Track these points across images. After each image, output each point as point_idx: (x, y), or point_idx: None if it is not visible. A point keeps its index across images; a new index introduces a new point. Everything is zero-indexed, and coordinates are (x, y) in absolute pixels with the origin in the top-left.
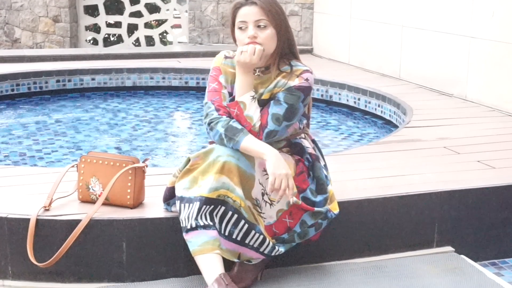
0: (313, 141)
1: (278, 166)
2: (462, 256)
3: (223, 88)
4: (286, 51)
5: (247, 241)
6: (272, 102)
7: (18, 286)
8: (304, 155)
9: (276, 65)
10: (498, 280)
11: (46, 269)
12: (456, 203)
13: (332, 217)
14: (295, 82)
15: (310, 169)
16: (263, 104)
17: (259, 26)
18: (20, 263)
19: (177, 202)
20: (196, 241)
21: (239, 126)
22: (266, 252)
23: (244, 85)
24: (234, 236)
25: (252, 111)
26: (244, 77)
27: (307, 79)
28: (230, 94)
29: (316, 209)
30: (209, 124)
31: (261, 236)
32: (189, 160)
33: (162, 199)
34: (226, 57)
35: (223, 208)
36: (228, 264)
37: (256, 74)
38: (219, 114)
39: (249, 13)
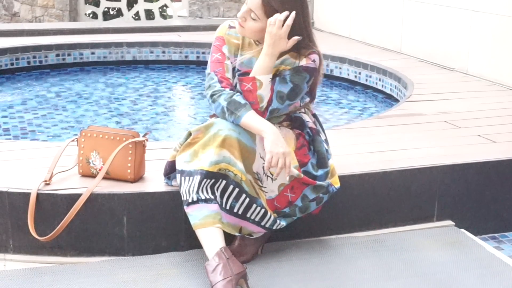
0: (314, 115)
1: (276, 144)
2: (462, 230)
3: (227, 59)
4: (301, 33)
5: (248, 215)
6: (277, 79)
7: (19, 260)
8: (304, 129)
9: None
10: (498, 254)
11: (47, 243)
12: (457, 177)
13: (333, 191)
14: (302, 62)
15: (310, 143)
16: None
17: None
18: (21, 237)
19: (178, 176)
20: (197, 215)
21: (242, 101)
22: (267, 225)
23: (268, 65)
24: (235, 210)
25: (265, 93)
26: (269, 58)
27: (314, 60)
28: (233, 65)
29: (317, 182)
30: (211, 96)
31: (263, 210)
32: (190, 134)
33: (162, 173)
34: (230, 27)
35: (224, 182)
36: (229, 239)
37: (260, 47)
38: (222, 86)
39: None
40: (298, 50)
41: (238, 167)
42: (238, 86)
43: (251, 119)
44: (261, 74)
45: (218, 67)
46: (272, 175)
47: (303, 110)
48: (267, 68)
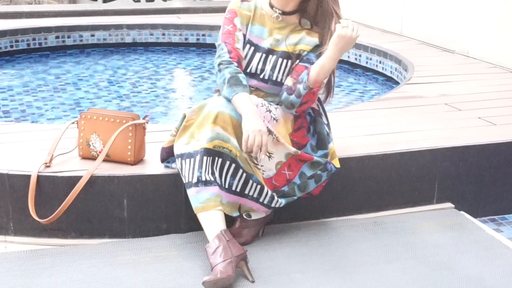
0: (318, 99)
1: (251, 122)
2: (462, 212)
3: (237, 31)
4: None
5: (246, 191)
6: (309, 64)
7: (20, 242)
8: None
9: (300, 16)
10: (497, 236)
11: (48, 225)
12: (457, 160)
13: (332, 170)
14: (317, 39)
15: (311, 124)
16: (285, 56)
17: None
18: (22, 220)
19: (178, 160)
20: (198, 198)
21: (244, 81)
22: (265, 202)
23: (332, 68)
24: (233, 188)
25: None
26: (335, 61)
27: None
28: (244, 36)
29: (315, 158)
30: (219, 65)
31: (259, 186)
32: (185, 116)
33: (159, 160)
34: (242, 1)
35: (220, 159)
36: (229, 221)
37: (275, 15)
38: (230, 57)
39: None
40: (308, 21)
41: (232, 143)
42: (302, 91)
43: (241, 98)
44: (325, 78)
45: (228, 38)
46: (270, 154)
47: None
48: (331, 69)
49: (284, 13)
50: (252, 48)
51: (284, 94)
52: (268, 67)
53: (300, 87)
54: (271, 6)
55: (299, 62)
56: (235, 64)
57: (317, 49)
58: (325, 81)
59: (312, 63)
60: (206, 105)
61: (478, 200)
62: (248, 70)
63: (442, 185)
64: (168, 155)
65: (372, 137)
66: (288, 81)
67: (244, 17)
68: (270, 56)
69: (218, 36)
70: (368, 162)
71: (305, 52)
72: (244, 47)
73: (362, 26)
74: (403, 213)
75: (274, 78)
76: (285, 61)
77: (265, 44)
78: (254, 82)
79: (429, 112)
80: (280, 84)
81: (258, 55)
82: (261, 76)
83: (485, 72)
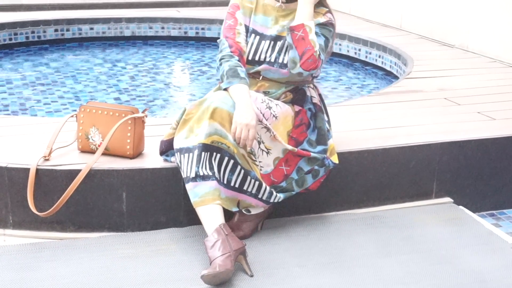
0: (320, 95)
1: (241, 115)
2: (461, 207)
3: (239, 25)
4: None
5: (245, 188)
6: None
7: (18, 235)
8: (306, 105)
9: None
10: (496, 231)
11: (47, 218)
12: (456, 154)
13: (330, 165)
14: (322, 19)
15: (311, 119)
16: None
17: None
18: (21, 213)
19: (177, 154)
20: (197, 192)
21: (242, 74)
22: (264, 198)
23: (311, 11)
24: (232, 184)
25: (315, 38)
26: (311, 5)
27: (330, 18)
28: (247, 27)
29: (312, 154)
30: (220, 59)
31: (257, 182)
32: (185, 110)
33: (158, 153)
34: None
35: (218, 155)
36: (228, 215)
37: (278, 5)
38: (231, 51)
39: None
40: (315, 8)
41: (229, 139)
42: (289, 39)
43: (237, 89)
44: (308, 20)
45: (229, 32)
46: (268, 149)
47: (311, 85)
48: (311, 14)
49: (287, 1)
50: (258, 37)
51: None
52: (274, 51)
53: (287, 38)
54: None
55: None
56: (236, 58)
57: (320, 25)
58: (310, 32)
59: (315, 32)
60: (206, 99)
61: (477, 195)
62: (256, 58)
63: (441, 179)
64: (167, 148)
65: (371, 131)
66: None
67: (247, 8)
68: (278, 42)
69: (221, 31)
70: (367, 156)
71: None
72: (249, 37)
73: (362, 20)
74: (402, 208)
75: (280, 61)
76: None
77: (271, 32)
78: (260, 66)
79: (428, 107)
80: (286, 66)
81: (264, 43)
82: (267, 60)
83: (484, 66)
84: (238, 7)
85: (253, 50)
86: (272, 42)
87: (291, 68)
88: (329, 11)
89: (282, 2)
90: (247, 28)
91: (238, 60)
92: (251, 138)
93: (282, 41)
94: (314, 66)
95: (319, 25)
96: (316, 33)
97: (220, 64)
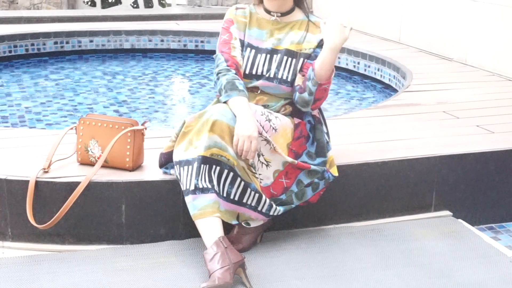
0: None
1: (243, 127)
2: (460, 220)
3: (233, 39)
4: (298, 2)
5: (244, 200)
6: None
7: (17, 248)
8: (305, 117)
9: (294, 14)
10: (495, 244)
11: (46, 230)
12: (455, 168)
13: (330, 178)
14: (319, 34)
15: (311, 132)
16: (289, 54)
17: None
18: (20, 225)
19: (176, 167)
20: (196, 205)
21: (240, 87)
22: (264, 210)
23: (335, 60)
24: (232, 197)
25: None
26: (335, 52)
27: None
28: (242, 41)
29: (312, 167)
30: (217, 74)
31: (257, 194)
32: (184, 122)
33: (158, 165)
34: (237, 9)
35: (218, 167)
36: (228, 227)
37: (273, 19)
38: (228, 65)
39: None
40: (309, 21)
41: (229, 152)
42: (311, 87)
43: (237, 102)
44: (329, 70)
45: (225, 47)
46: (268, 162)
47: None
48: (332, 63)
49: (282, 14)
50: (253, 50)
51: (297, 94)
52: (272, 66)
53: (309, 84)
54: (267, 12)
55: (307, 60)
56: (233, 71)
57: (321, 43)
58: (333, 75)
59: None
60: (206, 112)
61: (476, 208)
62: (254, 72)
63: (440, 192)
64: (166, 160)
65: (370, 144)
66: (298, 80)
67: (241, 23)
68: (275, 55)
69: (216, 46)
70: (366, 169)
71: (311, 50)
72: (245, 51)
73: (361, 34)
74: (401, 221)
75: (279, 76)
76: (289, 59)
77: (267, 45)
78: (259, 82)
79: (427, 120)
80: (285, 82)
81: (260, 56)
82: (267, 75)
83: (483, 80)
84: (232, 22)
85: (250, 63)
86: (268, 56)
87: (300, 106)
88: (321, 21)
89: (277, 16)
90: (242, 42)
91: (235, 74)
92: (254, 149)
93: (279, 55)
94: (319, 106)
95: (322, 45)
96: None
97: (218, 79)
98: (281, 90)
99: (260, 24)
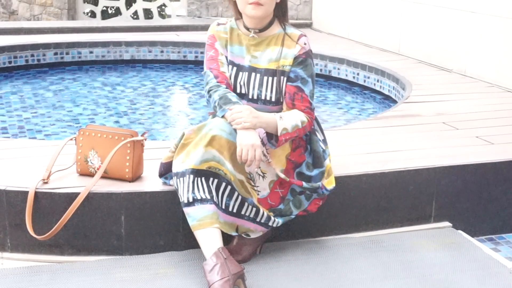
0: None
1: (245, 136)
2: (460, 231)
3: (220, 55)
4: (279, 13)
5: (243, 212)
6: (299, 82)
7: (16, 258)
8: None
9: (272, 28)
10: (495, 255)
11: (45, 241)
12: (454, 179)
13: (324, 193)
14: (297, 49)
15: (308, 143)
16: (270, 73)
17: None
18: (19, 236)
19: (174, 178)
20: (195, 216)
21: (234, 99)
22: (262, 221)
23: (272, 121)
24: (230, 209)
25: (294, 122)
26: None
27: (305, 43)
28: (226, 58)
29: (304, 185)
30: (208, 91)
31: (255, 208)
32: (183, 134)
33: (158, 175)
34: (219, 24)
35: (216, 180)
36: (227, 238)
37: (251, 35)
38: (218, 81)
39: None
40: (285, 34)
41: (227, 167)
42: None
43: None
44: (276, 127)
45: (212, 64)
46: (263, 173)
47: None
48: (274, 121)
49: (260, 30)
50: (235, 68)
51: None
52: (253, 86)
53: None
54: (247, 28)
55: (288, 82)
56: (224, 86)
57: (298, 60)
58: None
59: (300, 79)
60: (205, 125)
61: (475, 219)
62: (237, 91)
63: (440, 203)
64: (166, 170)
65: (370, 155)
66: (284, 109)
67: (222, 39)
68: (253, 74)
69: (204, 63)
70: (366, 180)
71: (288, 67)
72: (228, 69)
73: (360, 45)
74: (401, 232)
75: (263, 97)
76: (270, 78)
77: (246, 62)
78: (243, 102)
79: (426, 131)
80: (270, 102)
81: (242, 74)
82: (250, 96)
83: (482, 91)
84: (215, 38)
85: (232, 82)
86: (247, 73)
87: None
88: (302, 35)
89: (255, 32)
90: (226, 58)
91: (226, 88)
92: (258, 158)
93: (258, 74)
94: (312, 125)
95: (300, 64)
96: (304, 79)
97: (210, 96)
98: (268, 110)
99: (240, 40)
